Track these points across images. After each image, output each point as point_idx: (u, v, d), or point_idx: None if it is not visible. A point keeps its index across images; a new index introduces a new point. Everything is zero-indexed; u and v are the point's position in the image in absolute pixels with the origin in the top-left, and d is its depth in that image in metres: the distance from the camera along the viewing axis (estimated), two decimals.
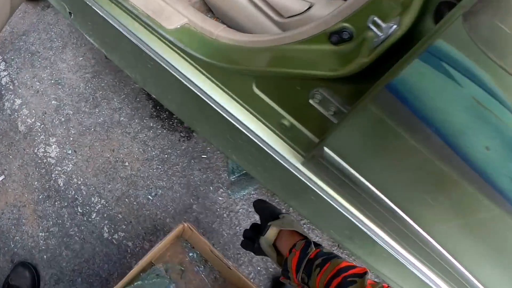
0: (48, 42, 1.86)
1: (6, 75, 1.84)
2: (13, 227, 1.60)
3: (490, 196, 0.63)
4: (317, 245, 0.78)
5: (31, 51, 1.86)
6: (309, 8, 1.12)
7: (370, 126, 0.68)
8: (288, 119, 0.90)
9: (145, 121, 1.63)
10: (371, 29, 0.59)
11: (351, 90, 0.74)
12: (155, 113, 1.64)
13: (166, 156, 1.58)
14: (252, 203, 1.00)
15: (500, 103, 0.50)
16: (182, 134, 1.61)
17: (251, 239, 0.90)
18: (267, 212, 0.89)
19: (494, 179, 0.61)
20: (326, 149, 0.78)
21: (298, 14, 1.14)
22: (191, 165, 1.57)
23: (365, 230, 0.94)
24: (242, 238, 0.93)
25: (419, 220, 0.79)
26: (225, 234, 1.52)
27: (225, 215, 1.54)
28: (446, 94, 0.54)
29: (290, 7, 1.15)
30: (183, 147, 1.59)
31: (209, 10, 1.46)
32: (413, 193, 0.75)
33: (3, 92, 1.80)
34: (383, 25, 0.59)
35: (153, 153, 1.59)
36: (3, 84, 1.82)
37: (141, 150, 1.60)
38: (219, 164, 1.58)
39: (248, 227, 0.94)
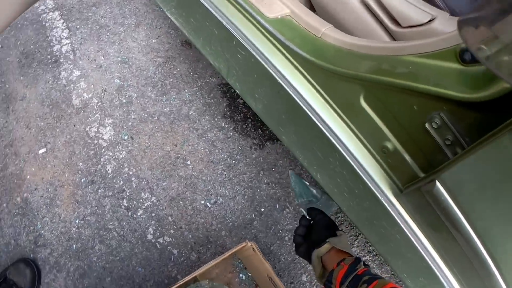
0: (120, 18, 1.76)
1: (68, 43, 1.73)
2: (44, 207, 1.45)
3: None
4: (366, 264, 0.80)
5: (100, 23, 1.76)
6: (431, 20, 1.00)
7: (502, 167, 0.58)
8: (393, 142, 0.78)
9: (216, 119, 1.49)
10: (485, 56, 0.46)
11: (478, 120, 0.62)
12: (228, 113, 1.51)
13: (233, 162, 1.44)
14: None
15: None
16: (255, 141, 1.47)
17: (302, 245, 0.95)
18: (324, 224, 0.95)
19: None
20: (438, 184, 0.65)
21: (419, 25, 1.02)
22: (259, 177, 1.42)
23: (444, 283, 0.81)
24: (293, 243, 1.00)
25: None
26: (283, 259, 1.36)
27: (286, 238, 1.38)
28: None
29: (410, 16, 1.03)
30: (253, 156, 1.45)
31: (311, 8, 1.34)
32: None
33: (61, 60, 1.69)
34: (487, 54, 0.46)
35: (220, 156, 1.44)
36: (63, 52, 1.71)
37: (207, 150, 1.45)
38: (290, 180, 1.42)
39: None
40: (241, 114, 1.52)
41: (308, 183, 1.31)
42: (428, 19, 0.94)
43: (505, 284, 0.70)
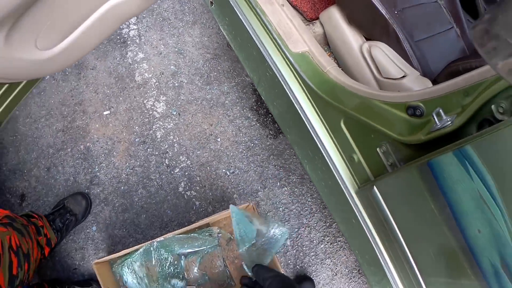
0: (180, 14, 2.19)
1: (136, 29, 2.17)
2: (102, 155, 1.90)
3: (473, 269, 0.89)
4: None
5: (163, 16, 2.19)
6: (403, 77, 1.37)
7: (410, 184, 0.95)
8: (358, 155, 1.17)
9: (244, 110, 1.94)
10: (433, 117, 0.86)
11: (408, 153, 1.01)
12: (255, 107, 1.95)
13: (252, 145, 1.89)
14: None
15: (495, 203, 0.76)
16: (271, 132, 1.91)
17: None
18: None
19: (479, 257, 0.87)
20: (375, 188, 1.06)
21: (394, 79, 1.40)
22: (269, 159, 1.87)
23: (382, 262, 1.21)
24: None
25: (420, 266, 1.07)
26: None
27: (280, 209, 1.83)
28: (462, 182, 0.80)
29: (389, 70, 1.41)
30: (268, 143, 1.89)
31: (327, 44, 1.75)
32: (423, 245, 1.02)
33: (128, 42, 2.13)
34: (443, 117, 0.84)
35: (243, 139, 1.90)
36: (131, 35, 2.15)
37: (233, 133, 1.90)
38: (292, 167, 1.87)
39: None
40: (264, 110, 1.96)
41: (249, 216, 1.46)
42: (401, 75, 1.33)
43: (419, 272, 1.07)
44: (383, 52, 1.32)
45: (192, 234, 1.68)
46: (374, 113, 1.06)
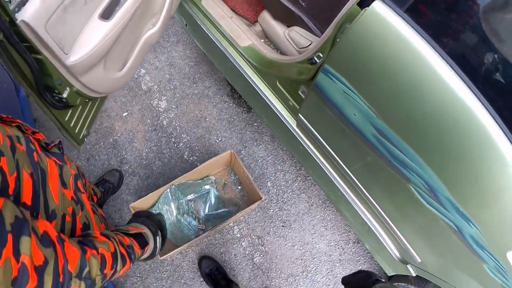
0: (166, 36, 2.99)
1: None
2: (127, 143, 2.66)
3: (365, 143, 1.38)
4: None
5: None
6: (310, 44, 2.12)
7: (314, 103, 1.60)
8: (292, 102, 1.88)
9: (223, 97, 2.73)
10: (312, 60, 1.58)
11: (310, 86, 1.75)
12: (230, 94, 2.74)
13: (232, 119, 2.67)
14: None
15: (353, 93, 1.42)
16: (244, 109, 2.70)
17: None
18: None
19: (364, 133, 1.35)
20: (300, 115, 1.81)
21: (305, 47, 2.15)
22: (246, 127, 2.65)
23: (325, 171, 1.90)
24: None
25: (344, 162, 1.74)
26: (257, 172, 2.56)
27: (259, 161, 2.59)
28: (332, 86, 1.37)
29: (301, 43, 2.10)
30: (243, 116, 2.68)
31: (266, 37, 2.53)
32: (338, 143, 1.66)
33: None
34: (316, 60, 1.52)
35: (225, 116, 2.68)
36: None
37: (217, 113, 2.69)
38: (263, 130, 2.64)
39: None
40: (237, 94, 2.75)
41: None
42: (308, 44, 2.11)
43: (346, 167, 1.73)
44: (297, 33, 2.11)
45: (196, 182, 2.42)
46: (292, 70, 1.83)
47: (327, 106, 1.49)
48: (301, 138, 1.95)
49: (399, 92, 1.17)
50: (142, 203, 2.24)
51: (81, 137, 1.76)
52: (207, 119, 2.69)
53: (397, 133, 1.23)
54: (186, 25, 2.47)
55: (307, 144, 1.94)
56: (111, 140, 2.66)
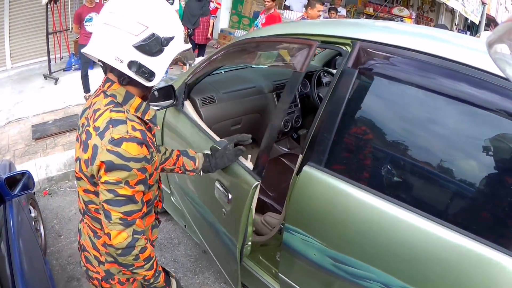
0: (169, 239, 3.49)
1: None
2: None
3: (329, 274, 1.80)
4: None
5: (159, 241, 3.47)
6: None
7: (288, 259, 2.13)
8: (274, 269, 2.31)
9: (221, 284, 3.06)
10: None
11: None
12: (228, 281, 3.08)
13: None
14: None
15: (309, 237, 1.93)
16: None
17: None
18: None
19: (323, 265, 1.78)
20: (280, 275, 2.20)
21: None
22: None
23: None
24: None
25: None
26: None
27: None
28: (293, 239, 1.84)
29: (273, 223, 2.70)
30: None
31: None
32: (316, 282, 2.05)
33: None
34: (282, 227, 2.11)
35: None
36: None
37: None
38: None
39: None
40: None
41: None
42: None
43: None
44: (270, 216, 2.65)
45: None
46: (272, 243, 2.30)
47: (295, 256, 1.90)
48: None
49: (339, 225, 1.65)
50: None
51: None
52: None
53: (347, 255, 1.64)
54: (185, 226, 3.02)
55: None
56: None
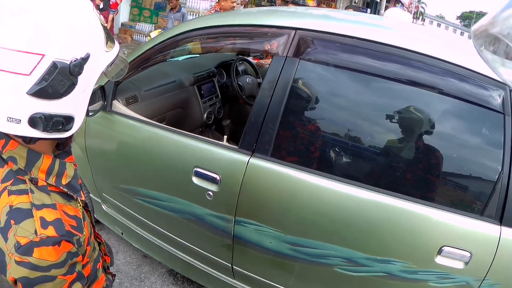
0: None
1: None
2: None
3: (290, 259, 2.00)
4: None
5: None
6: None
7: (243, 249, 2.18)
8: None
9: (169, 286, 2.99)
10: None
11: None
12: (174, 282, 3.03)
13: None
14: None
15: (263, 226, 2.02)
16: (194, 286, 2.97)
17: None
18: None
19: (282, 252, 2.07)
20: (234, 267, 2.24)
21: None
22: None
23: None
24: None
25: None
26: None
27: None
28: (246, 230, 2.06)
29: None
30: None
31: None
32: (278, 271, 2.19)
33: None
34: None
35: None
36: None
37: None
38: None
39: None
40: (181, 278, 3.03)
41: None
42: None
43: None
44: None
45: None
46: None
47: (248, 247, 1.93)
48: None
49: (293, 210, 1.70)
50: None
51: None
52: None
53: (306, 237, 1.71)
54: (122, 233, 2.89)
55: None
56: None
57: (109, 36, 0.95)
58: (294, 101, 1.77)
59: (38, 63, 0.78)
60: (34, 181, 0.93)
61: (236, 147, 1.82)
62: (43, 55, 0.78)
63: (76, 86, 0.85)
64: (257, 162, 1.73)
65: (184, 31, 2.18)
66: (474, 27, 0.69)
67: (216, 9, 5.48)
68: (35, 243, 0.87)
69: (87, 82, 0.89)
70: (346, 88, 1.79)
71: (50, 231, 0.89)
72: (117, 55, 0.96)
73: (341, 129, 1.76)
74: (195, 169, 1.93)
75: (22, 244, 0.86)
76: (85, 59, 0.84)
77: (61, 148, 1.03)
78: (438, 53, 1.59)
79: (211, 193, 1.90)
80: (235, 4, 5.40)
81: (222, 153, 1.85)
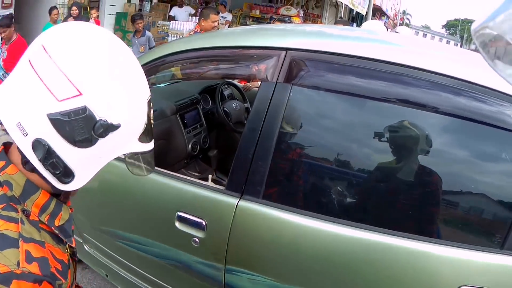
0: None
1: None
2: None
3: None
4: None
5: None
6: None
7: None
8: None
9: None
10: None
11: None
12: None
13: None
14: None
15: (258, 276, 1.79)
16: None
17: None
18: None
19: None
20: None
21: None
22: None
23: None
24: None
25: None
26: None
27: None
28: (239, 280, 1.85)
29: None
30: None
31: None
32: None
33: None
34: None
35: None
36: None
37: None
38: None
39: None
40: None
41: None
42: None
43: None
44: None
45: None
46: None
47: None
48: None
49: (290, 257, 1.50)
50: None
51: None
52: None
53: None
54: (106, 275, 2.65)
55: None
56: None
57: (149, 133, 0.92)
58: (287, 135, 1.55)
59: (72, 97, 0.77)
60: (26, 213, 0.88)
61: (223, 188, 1.61)
62: (81, 94, 0.77)
63: (92, 147, 0.81)
64: (247, 205, 1.51)
65: (160, 56, 1.98)
66: (473, 26, 0.66)
67: (196, 30, 5.21)
68: (15, 275, 0.79)
69: (104, 151, 0.85)
70: (348, 117, 1.57)
71: (34, 268, 0.82)
72: (146, 152, 0.93)
73: (345, 165, 1.53)
74: (178, 213, 1.71)
75: (0, 272, 0.78)
76: (113, 127, 0.81)
77: (60, 198, 0.95)
78: (457, 72, 1.35)
79: (197, 240, 1.68)
80: (216, 24, 5.06)
81: (207, 196, 1.64)
